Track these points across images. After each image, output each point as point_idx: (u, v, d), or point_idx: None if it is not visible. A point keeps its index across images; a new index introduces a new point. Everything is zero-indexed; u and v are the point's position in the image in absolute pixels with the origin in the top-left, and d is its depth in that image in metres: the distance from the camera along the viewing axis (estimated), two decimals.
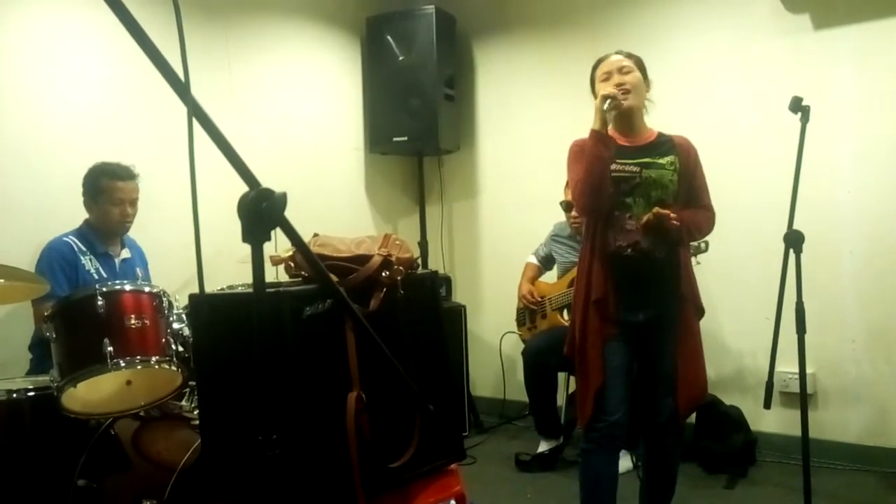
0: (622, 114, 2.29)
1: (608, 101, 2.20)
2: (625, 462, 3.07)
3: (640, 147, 2.34)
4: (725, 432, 3.48)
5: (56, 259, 2.80)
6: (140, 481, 2.26)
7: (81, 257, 2.85)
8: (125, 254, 3.04)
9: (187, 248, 1.75)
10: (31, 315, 2.80)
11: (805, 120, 2.51)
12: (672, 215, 2.23)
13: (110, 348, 2.10)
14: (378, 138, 4.45)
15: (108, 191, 2.89)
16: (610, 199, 2.26)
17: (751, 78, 3.62)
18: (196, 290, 1.85)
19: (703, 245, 3.27)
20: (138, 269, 3.04)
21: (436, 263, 4.65)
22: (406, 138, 4.29)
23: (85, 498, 2.21)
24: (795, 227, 2.50)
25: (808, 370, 3.11)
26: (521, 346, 3.84)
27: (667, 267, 2.31)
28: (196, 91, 1.03)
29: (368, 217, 4.65)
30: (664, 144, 2.36)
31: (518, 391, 4.11)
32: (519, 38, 4.49)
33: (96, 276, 2.85)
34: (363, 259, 1.88)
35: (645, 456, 2.50)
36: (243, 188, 1.05)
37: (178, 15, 1.09)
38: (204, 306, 1.91)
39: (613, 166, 2.24)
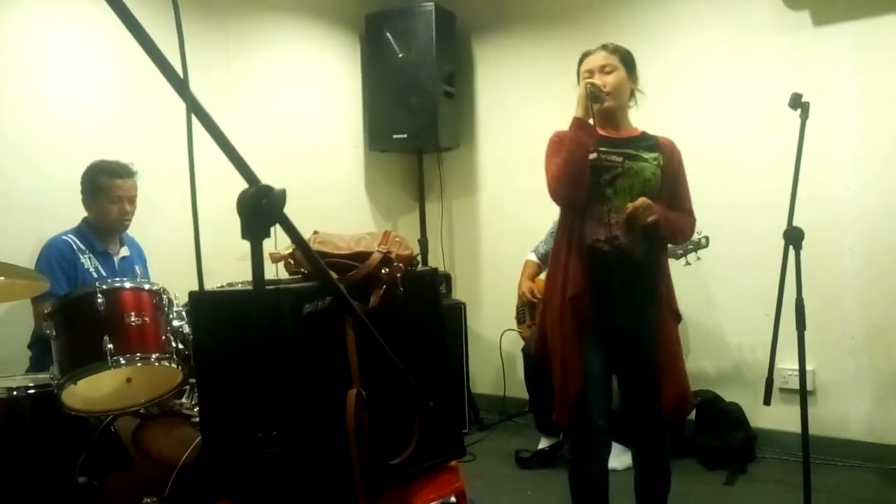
0: (603, 111, 2.26)
1: (589, 87, 2.18)
2: (625, 458, 3.07)
3: (624, 139, 2.31)
4: (725, 429, 3.48)
5: (55, 257, 2.80)
6: (140, 478, 2.27)
7: (80, 256, 2.85)
8: (124, 252, 3.03)
9: (186, 246, 1.74)
10: (30, 313, 2.80)
11: (805, 116, 2.50)
12: (654, 206, 2.19)
13: (110, 346, 2.11)
14: (377, 135, 4.44)
15: (106, 189, 2.88)
16: (588, 189, 2.20)
17: (750, 75, 3.62)
18: (196, 287, 1.85)
19: (703, 241, 3.27)
20: (137, 267, 3.04)
21: (436, 260, 4.64)
22: (406, 135, 4.28)
23: (85, 495, 2.22)
24: (795, 223, 2.49)
25: (808, 367, 3.11)
26: (521, 343, 3.84)
27: (645, 269, 2.27)
28: (195, 89, 1.03)
29: (368, 214, 4.64)
30: (649, 141, 2.34)
31: (518, 388, 4.12)
32: (518, 35, 4.48)
33: (95, 275, 2.84)
34: (363, 256, 1.88)
35: (636, 458, 2.49)
36: (242, 185, 1.04)
37: (176, 13, 1.09)
38: (204, 303, 1.91)
39: (594, 155, 2.19)
